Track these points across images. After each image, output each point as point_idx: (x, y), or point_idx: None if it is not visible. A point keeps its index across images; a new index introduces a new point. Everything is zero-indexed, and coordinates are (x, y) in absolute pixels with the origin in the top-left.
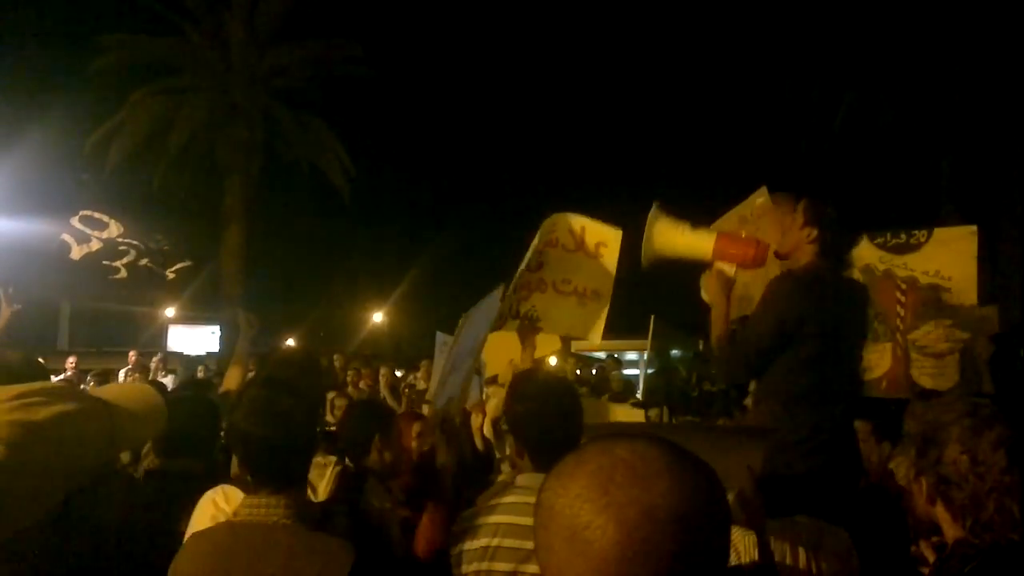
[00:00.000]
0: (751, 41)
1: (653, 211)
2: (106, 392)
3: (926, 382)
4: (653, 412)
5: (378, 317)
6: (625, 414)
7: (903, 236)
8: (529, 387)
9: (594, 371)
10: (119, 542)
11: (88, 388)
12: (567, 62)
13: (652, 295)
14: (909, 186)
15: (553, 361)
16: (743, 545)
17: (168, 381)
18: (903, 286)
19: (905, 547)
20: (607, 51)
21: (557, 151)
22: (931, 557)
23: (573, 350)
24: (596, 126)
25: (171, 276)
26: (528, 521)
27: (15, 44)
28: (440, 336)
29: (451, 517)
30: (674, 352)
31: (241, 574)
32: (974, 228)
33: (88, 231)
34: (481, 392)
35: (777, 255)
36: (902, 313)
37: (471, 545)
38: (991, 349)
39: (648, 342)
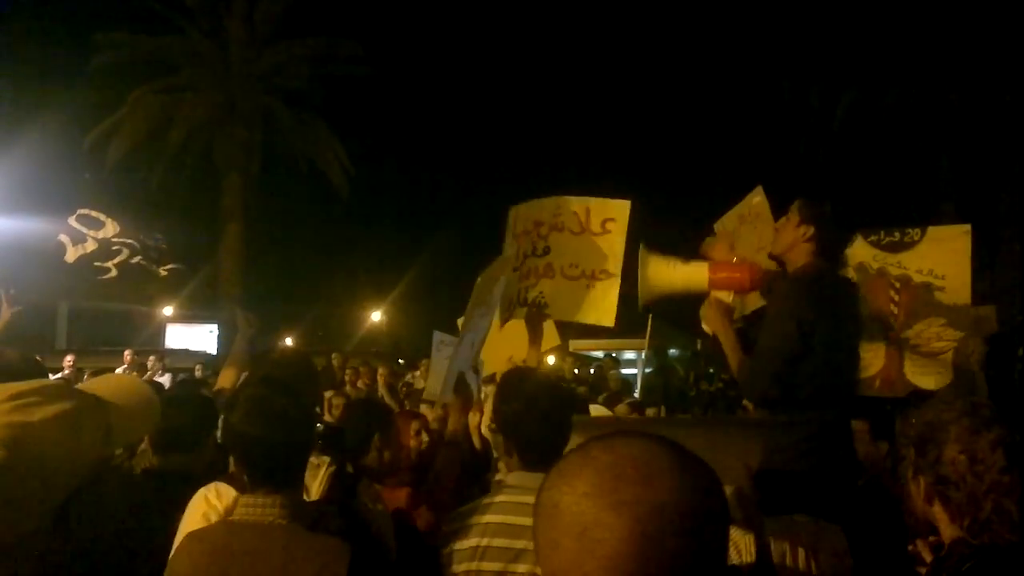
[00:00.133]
0: (749, 40)
1: (642, 252)
2: (99, 387)
3: (920, 381)
4: (651, 411)
5: (376, 316)
6: (595, 410)
7: (897, 234)
8: (517, 386)
9: (592, 370)
10: (119, 542)
11: (83, 380)
12: (566, 61)
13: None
14: (907, 186)
15: (551, 360)
16: (743, 544)
17: (165, 380)
18: (897, 284)
19: (902, 546)
20: (606, 50)
21: (557, 151)
22: (928, 557)
23: (571, 349)
24: (595, 126)
25: (163, 273)
26: (518, 520)
27: (14, 42)
28: (437, 335)
29: (450, 507)
30: (672, 351)
31: (239, 574)
32: (968, 227)
33: (84, 230)
34: (479, 391)
35: (771, 256)
36: (896, 312)
37: (461, 545)
38: (984, 349)
39: (646, 341)
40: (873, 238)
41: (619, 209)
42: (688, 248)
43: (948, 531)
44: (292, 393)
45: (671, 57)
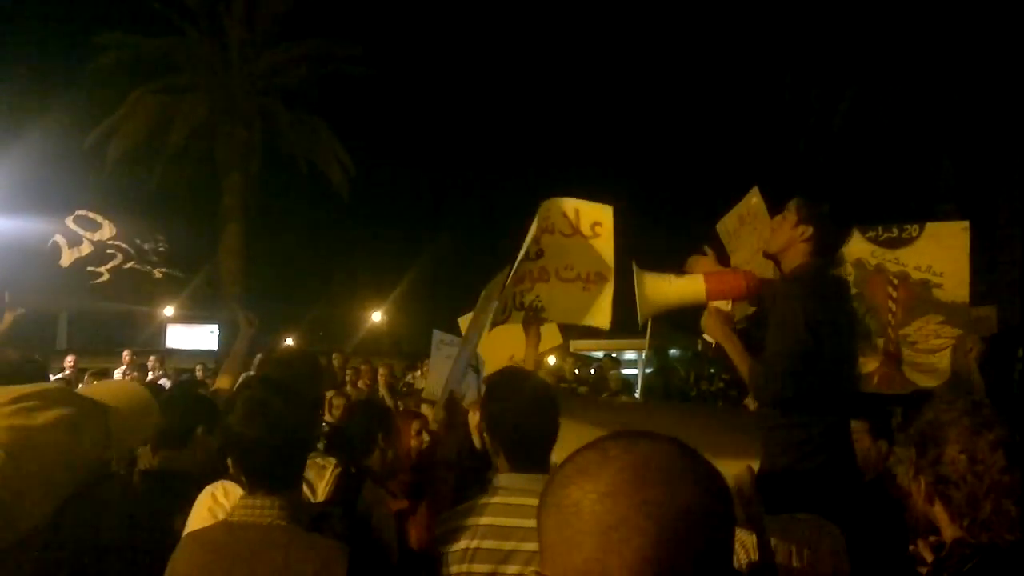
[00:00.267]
0: (750, 39)
1: (636, 272)
2: (99, 392)
3: (917, 378)
4: None
5: (377, 316)
6: None
7: (895, 230)
8: (504, 386)
9: (592, 370)
10: (118, 544)
11: (83, 384)
12: (566, 61)
13: None
14: (908, 186)
15: (552, 360)
16: (749, 544)
17: (165, 382)
18: (895, 281)
19: (903, 546)
20: (606, 50)
21: (557, 150)
22: (929, 557)
23: (572, 349)
24: (595, 125)
25: (158, 276)
26: (507, 522)
27: (15, 42)
28: (437, 334)
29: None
30: (672, 352)
31: (238, 574)
32: (966, 224)
33: (81, 232)
34: (479, 390)
35: (766, 254)
36: (893, 308)
37: (453, 548)
38: (982, 347)
39: (647, 342)
40: (871, 234)
41: (604, 213)
42: (689, 249)
43: (949, 531)
44: (290, 394)
45: (670, 56)
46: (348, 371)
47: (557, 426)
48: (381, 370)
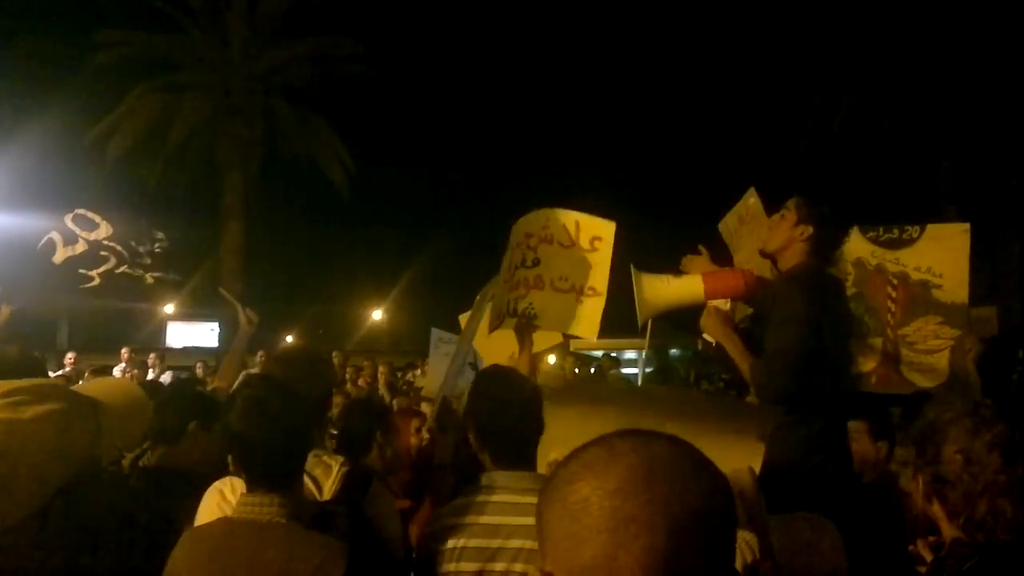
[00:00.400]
0: (751, 43)
1: (634, 274)
2: (93, 389)
3: (915, 378)
4: None
5: (377, 314)
6: None
7: (896, 231)
8: (488, 384)
9: (592, 370)
10: (110, 538)
11: (82, 381)
12: (567, 59)
13: None
14: (909, 187)
15: (552, 360)
16: (753, 543)
17: (166, 378)
18: (894, 281)
19: (902, 546)
20: (608, 53)
21: (557, 149)
22: (928, 556)
23: (572, 349)
24: (596, 125)
25: (150, 281)
26: (494, 520)
27: (15, 39)
28: (435, 332)
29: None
30: (673, 351)
31: (237, 570)
32: (967, 226)
33: (77, 231)
34: None
35: (763, 253)
36: (893, 309)
37: (442, 547)
38: (980, 347)
39: (647, 341)
40: (872, 234)
41: (606, 229)
42: (688, 250)
43: (948, 531)
44: (290, 393)
45: (672, 60)
46: (348, 369)
47: (541, 424)
48: (381, 368)
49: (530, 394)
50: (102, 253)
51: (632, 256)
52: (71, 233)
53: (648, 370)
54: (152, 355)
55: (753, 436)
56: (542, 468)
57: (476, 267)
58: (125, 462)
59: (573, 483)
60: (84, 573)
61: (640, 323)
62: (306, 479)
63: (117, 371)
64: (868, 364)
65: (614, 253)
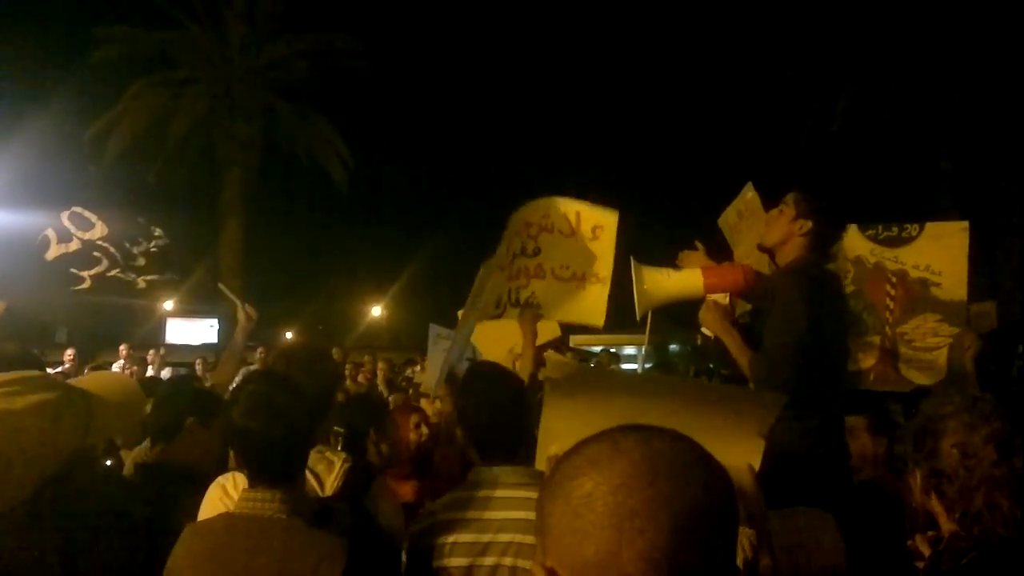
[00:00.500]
0: (750, 39)
1: (634, 265)
2: (87, 381)
3: (913, 376)
4: None
5: (376, 311)
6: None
7: (895, 229)
8: (473, 381)
9: (592, 365)
10: (108, 528)
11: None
12: (567, 56)
13: None
14: (908, 183)
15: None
16: (753, 539)
17: (165, 374)
18: (893, 279)
19: (901, 541)
20: (607, 46)
21: (557, 145)
22: (927, 551)
23: (571, 344)
24: (596, 122)
25: (142, 286)
26: (483, 515)
27: (14, 36)
28: (433, 328)
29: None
30: (672, 347)
31: (237, 566)
32: (965, 224)
33: (72, 229)
34: None
35: (761, 248)
36: (891, 306)
37: (432, 542)
38: (979, 344)
39: (646, 337)
40: (871, 232)
41: (608, 218)
42: (685, 245)
43: (946, 525)
44: (294, 389)
45: (670, 56)
46: (347, 365)
47: (527, 421)
48: (380, 364)
49: (516, 391)
50: (95, 254)
51: (631, 252)
52: (66, 231)
53: (647, 366)
54: (151, 352)
55: (754, 431)
56: (541, 462)
57: (475, 264)
58: (128, 462)
59: (576, 478)
60: (77, 559)
61: (639, 315)
62: (308, 475)
63: (116, 368)
64: (866, 361)
65: (617, 246)
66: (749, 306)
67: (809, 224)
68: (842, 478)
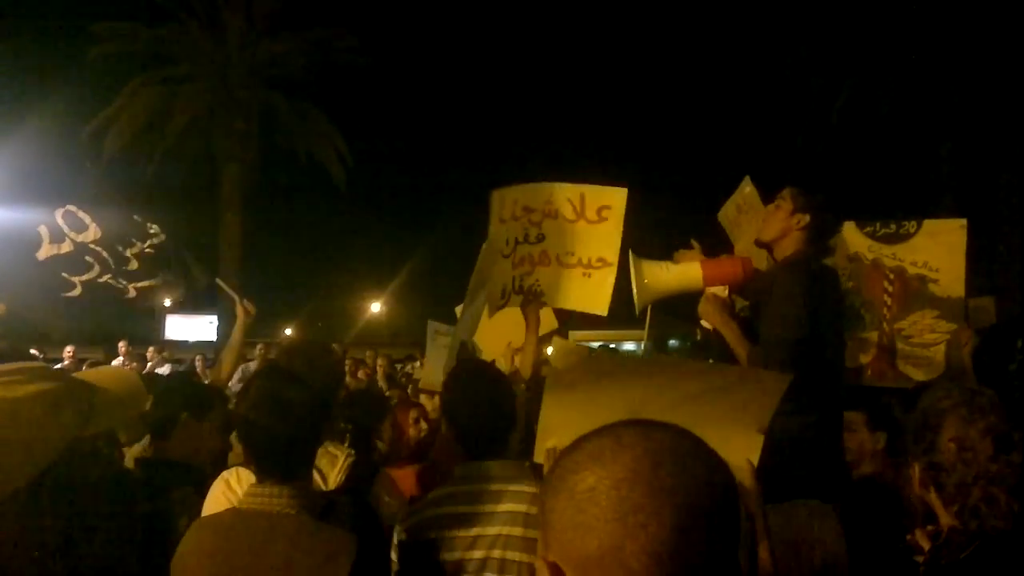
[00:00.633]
0: (749, 31)
1: (633, 259)
2: (88, 373)
3: (911, 372)
4: None
5: (376, 307)
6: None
7: (893, 226)
8: (461, 376)
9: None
10: (101, 521)
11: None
12: (567, 51)
13: None
14: (906, 179)
15: (550, 350)
16: (755, 536)
17: (165, 371)
18: (891, 276)
19: (900, 536)
20: (606, 41)
21: (555, 141)
22: (926, 545)
23: (570, 340)
24: (594, 117)
25: (132, 294)
26: (471, 509)
27: (13, 33)
28: (432, 325)
29: None
30: (672, 342)
31: (245, 561)
32: (964, 221)
33: (66, 229)
34: None
35: (759, 243)
36: (889, 303)
37: (422, 538)
38: (976, 341)
39: (645, 332)
40: (869, 229)
41: (615, 196)
42: (686, 242)
43: (945, 519)
44: (302, 384)
45: (669, 49)
46: (347, 362)
47: (513, 417)
48: (380, 360)
49: (501, 389)
50: (87, 258)
51: (630, 245)
52: (59, 230)
53: None
54: (151, 348)
55: (754, 427)
56: (540, 455)
57: (474, 260)
58: (128, 458)
59: (579, 472)
60: (78, 545)
61: (638, 309)
62: None
63: (115, 364)
64: (864, 358)
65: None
66: (739, 306)
67: (807, 218)
68: (841, 473)
